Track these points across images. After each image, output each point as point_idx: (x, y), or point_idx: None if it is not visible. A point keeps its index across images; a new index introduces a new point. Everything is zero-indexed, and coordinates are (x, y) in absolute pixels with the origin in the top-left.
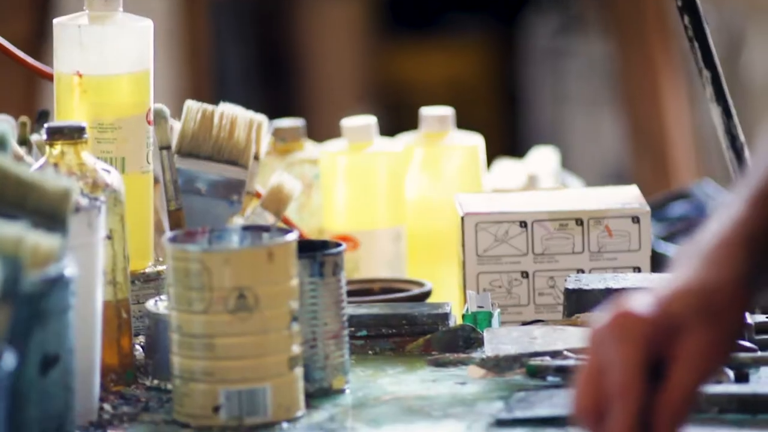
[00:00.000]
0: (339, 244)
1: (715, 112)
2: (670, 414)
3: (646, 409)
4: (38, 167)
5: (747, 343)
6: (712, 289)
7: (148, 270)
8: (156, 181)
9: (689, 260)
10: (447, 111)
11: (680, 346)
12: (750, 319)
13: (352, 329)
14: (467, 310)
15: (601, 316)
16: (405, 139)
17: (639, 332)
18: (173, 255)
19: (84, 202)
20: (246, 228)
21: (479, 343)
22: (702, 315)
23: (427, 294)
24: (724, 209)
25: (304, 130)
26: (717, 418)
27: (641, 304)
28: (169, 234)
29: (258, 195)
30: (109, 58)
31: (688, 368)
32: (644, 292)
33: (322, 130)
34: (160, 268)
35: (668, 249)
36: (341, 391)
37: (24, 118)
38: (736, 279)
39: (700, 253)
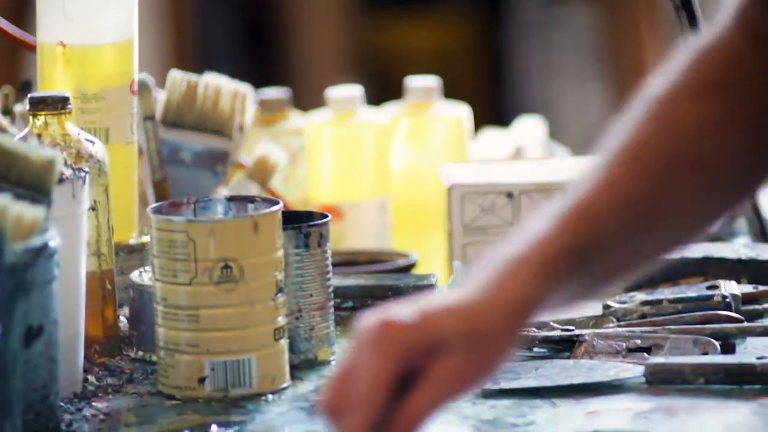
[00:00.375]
0: (324, 215)
1: None
2: (405, 424)
3: (386, 419)
4: (21, 138)
5: (734, 314)
6: (479, 313)
7: (132, 241)
8: (140, 151)
9: (478, 274)
10: (433, 81)
11: (432, 366)
12: (737, 290)
13: (338, 300)
14: (453, 281)
15: (369, 318)
16: (391, 109)
17: (397, 345)
18: (158, 226)
19: (68, 172)
20: (231, 199)
21: None
22: (462, 338)
23: (413, 265)
24: (531, 221)
25: (289, 100)
26: (703, 388)
27: (408, 314)
28: (153, 205)
29: (243, 165)
30: (93, 28)
31: (430, 391)
32: (420, 301)
33: (307, 99)
34: (144, 239)
35: None
36: (327, 363)
37: (7, 89)
38: (517, 302)
39: (490, 269)
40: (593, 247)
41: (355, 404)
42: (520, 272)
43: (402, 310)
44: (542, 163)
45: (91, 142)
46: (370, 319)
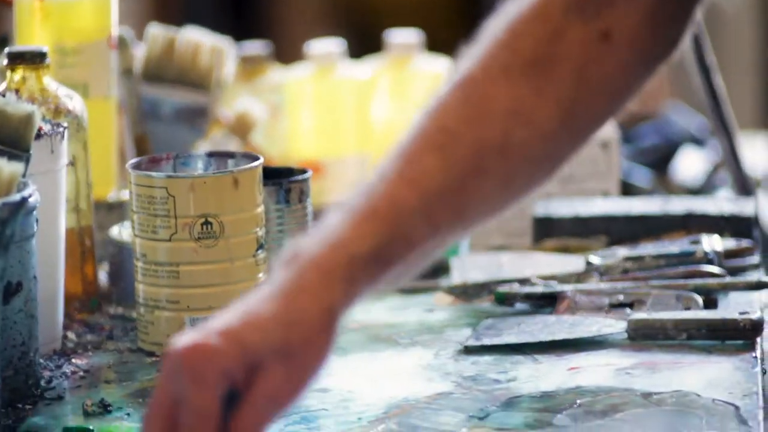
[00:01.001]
0: (305, 171)
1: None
2: None
3: None
4: None
5: (716, 269)
6: (290, 322)
7: (111, 197)
8: (120, 106)
9: (278, 282)
10: (414, 36)
11: (253, 386)
12: (720, 245)
13: None
14: None
15: (176, 344)
16: (372, 63)
17: (212, 373)
18: (137, 181)
19: (46, 128)
20: (211, 154)
21: (447, 270)
22: (277, 353)
23: None
24: (333, 218)
25: (270, 54)
26: (685, 344)
27: (217, 337)
28: (132, 160)
29: (223, 121)
30: None
31: (253, 411)
32: (222, 318)
33: (288, 52)
34: (123, 195)
35: (636, 171)
36: None
37: None
38: (322, 310)
39: (290, 272)
40: (397, 248)
41: None
42: (321, 280)
43: (208, 333)
44: None
45: (70, 97)
46: (177, 345)
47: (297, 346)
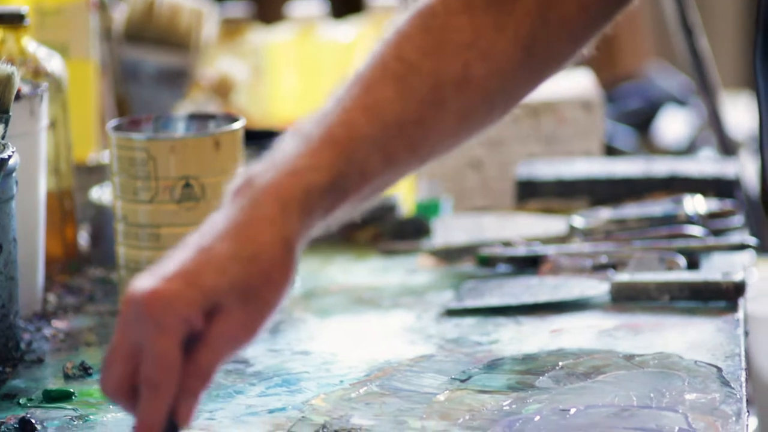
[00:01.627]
0: (285, 132)
1: None
2: (196, 386)
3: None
4: None
5: (699, 230)
6: (248, 258)
7: (92, 159)
8: (100, 68)
9: (233, 214)
10: None
11: (212, 327)
12: (703, 206)
13: None
14: (417, 199)
15: (135, 289)
16: (354, 24)
17: (172, 319)
18: (118, 143)
19: (26, 89)
20: (192, 116)
21: (429, 232)
22: (236, 293)
23: None
24: (286, 145)
25: (251, 16)
26: (668, 305)
27: (174, 282)
28: (113, 122)
29: (204, 82)
30: None
31: (212, 352)
32: (177, 259)
33: (269, 12)
34: (104, 157)
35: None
36: None
37: None
38: (280, 242)
39: (242, 210)
40: (352, 179)
41: (149, 387)
42: (278, 210)
43: (167, 278)
44: None
45: (49, 58)
46: (136, 290)
47: (256, 283)
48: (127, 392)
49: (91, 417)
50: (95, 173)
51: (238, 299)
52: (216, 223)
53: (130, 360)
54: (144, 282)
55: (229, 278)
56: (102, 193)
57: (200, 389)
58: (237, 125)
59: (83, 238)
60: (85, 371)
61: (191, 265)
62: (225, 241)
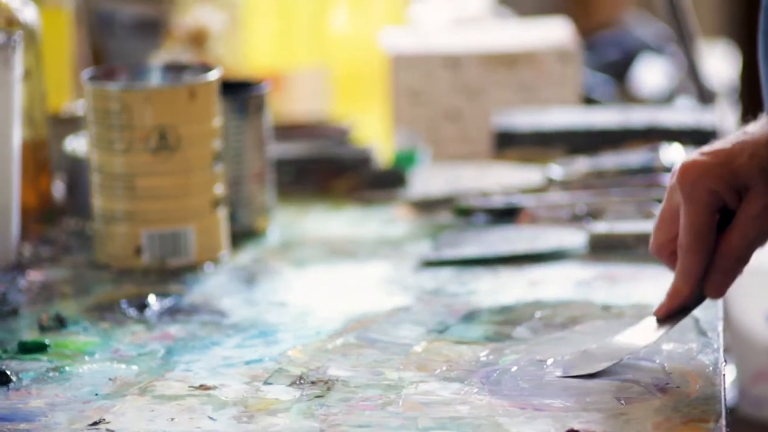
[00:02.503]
0: (263, 83)
1: None
2: (727, 264)
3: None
4: None
5: None
6: None
7: (66, 109)
8: (74, 17)
9: (763, 116)
10: None
11: (741, 206)
12: (681, 156)
13: (277, 169)
14: (395, 149)
15: (678, 161)
16: None
17: (699, 190)
18: (93, 93)
19: None
20: (167, 66)
21: (407, 182)
22: (764, 176)
23: (353, 134)
24: None
25: None
26: (646, 256)
27: (708, 156)
28: (87, 72)
29: (179, 32)
30: None
31: (740, 230)
32: (725, 139)
33: None
34: (79, 107)
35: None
36: (266, 232)
37: None
38: None
39: None
40: None
41: (681, 252)
42: None
43: (703, 153)
44: (486, 29)
45: (23, 7)
46: (678, 163)
47: None
48: (668, 254)
49: (66, 368)
50: (70, 123)
51: (765, 182)
52: (765, 116)
53: (672, 224)
54: (686, 156)
55: (759, 161)
56: (77, 144)
57: (731, 267)
58: (213, 75)
59: (58, 189)
60: (60, 323)
61: (728, 145)
62: (764, 128)
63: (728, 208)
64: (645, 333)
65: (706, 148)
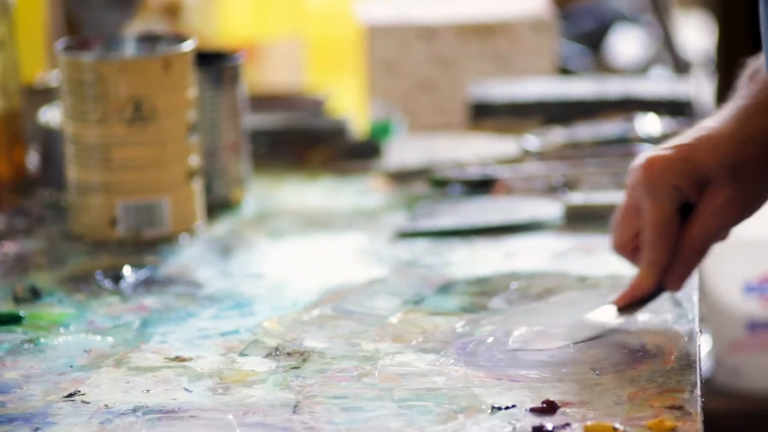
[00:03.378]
0: (237, 54)
1: None
2: (688, 257)
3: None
4: None
5: None
6: (742, 141)
7: (40, 80)
8: None
9: (738, 100)
10: None
11: (702, 200)
12: (656, 125)
13: (252, 140)
14: (370, 120)
15: (640, 158)
16: None
17: (661, 185)
18: (67, 64)
19: None
20: (142, 36)
21: (382, 153)
22: (726, 171)
23: (328, 104)
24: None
25: None
26: None
27: (669, 151)
28: (61, 42)
29: (154, 3)
30: None
31: (701, 223)
32: (686, 134)
33: None
34: (53, 77)
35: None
36: (241, 204)
37: None
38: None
39: (746, 96)
40: None
41: (645, 247)
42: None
43: (664, 148)
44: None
45: None
46: (640, 159)
47: (747, 165)
48: (631, 251)
49: (41, 340)
50: (44, 94)
51: (727, 177)
52: (726, 107)
53: (633, 222)
54: (647, 153)
55: (720, 157)
56: (51, 115)
57: (692, 259)
58: (187, 46)
59: (32, 160)
60: (34, 294)
61: (690, 140)
62: (725, 123)
63: (690, 203)
64: (605, 318)
65: (667, 144)
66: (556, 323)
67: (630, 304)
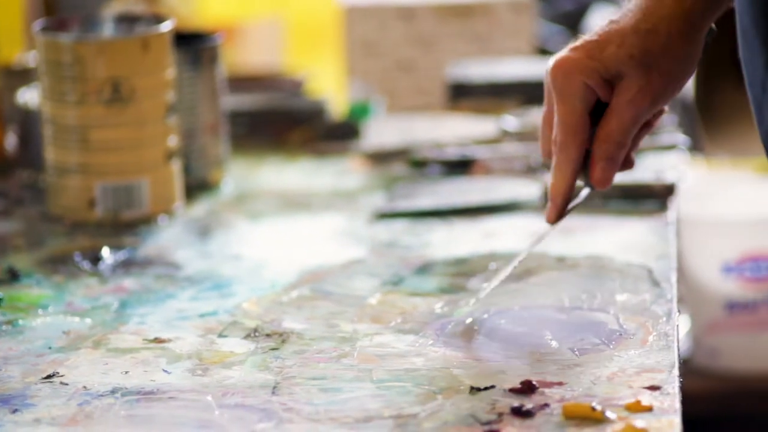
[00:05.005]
0: (216, 34)
1: None
2: (608, 150)
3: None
4: None
5: None
6: (648, 31)
7: (18, 60)
8: None
9: (628, 3)
10: None
11: (614, 95)
12: None
13: (231, 121)
14: (349, 100)
15: (549, 60)
16: None
17: (571, 85)
18: (45, 45)
19: None
20: (120, 17)
21: (361, 134)
22: (635, 62)
23: (307, 85)
24: None
25: None
26: (600, 207)
27: (577, 51)
28: (39, 23)
29: None
30: None
31: (617, 116)
32: (593, 31)
33: None
34: (31, 58)
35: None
36: (220, 185)
37: None
38: (679, 17)
39: None
40: None
41: (557, 149)
42: None
43: (571, 49)
44: None
45: None
46: (549, 61)
47: (654, 54)
48: (550, 152)
49: (19, 321)
50: (22, 75)
51: (637, 68)
52: (630, 3)
53: (551, 125)
54: (556, 55)
55: (628, 49)
56: (29, 96)
57: (613, 152)
58: (165, 26)
59: (10, 141)
60: (13, 275)
61: (596, 37)
62: (629, 16)
63: (602, 101)
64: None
65: (575, 44)
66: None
67: (560, 215)
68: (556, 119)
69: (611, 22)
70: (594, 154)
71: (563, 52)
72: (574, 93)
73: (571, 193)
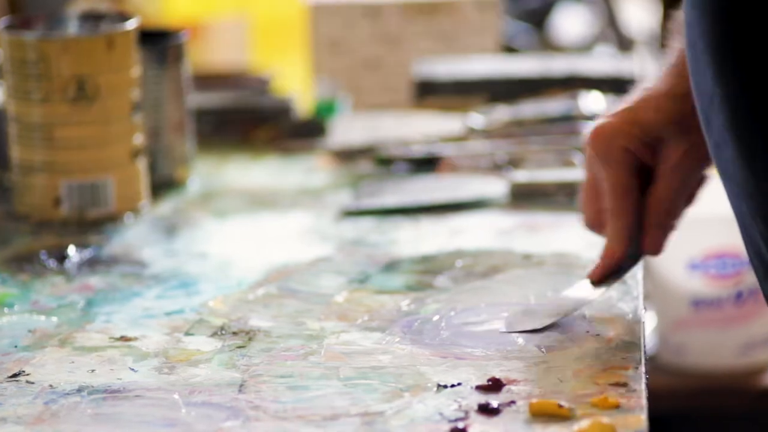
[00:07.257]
0: (181, 32)
1: None
2: (658, 218)
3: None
4: None
5: None
6: (682, 96)
7: None
8: None
9: (672, 59)
10: None
11: (660, 160)
12: (600, 103)
13: (197, 119)
14: (315, 98)
15: (587, 131)
16: None
17: (613, 151)
18: (9, 43)
19: None
20: (85, 15)
21: (327, 131)
22: (673, 126)
23: (273, 83)
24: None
25: None
26: (566, 205)
27: (613, 117)
28: (4, 20)
29: None
30: None
31: (663, 181)
32: (630, 96)
33: None
34: None
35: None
36: (186, 183)
37: None
38: None
39: (681, 51)
40: None
41: (610, 216)
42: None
43: (609, 115)
44: None
45: None
46: (588, 131)
47: (692, 117)
48: (600, 226)
49: None
50: None
51: (677, 132)
52: (666, 64)
53: (597, 196)
54: (594, 122)
55: (665, 114)
56: None
57: (663, 220)
58: (131, 24)
59: None
60: None
61: (632, 103)
62: (662, 81)
63: (646, 165)
64: (584, 292)
65: (611, 111)
66: (540, 303)
67: (605, 276)
68: (606, 187)
69: (645, 88)
70: (645, 223)
71: (600, 120)
72: (618, 158)
73: (624, 258)
